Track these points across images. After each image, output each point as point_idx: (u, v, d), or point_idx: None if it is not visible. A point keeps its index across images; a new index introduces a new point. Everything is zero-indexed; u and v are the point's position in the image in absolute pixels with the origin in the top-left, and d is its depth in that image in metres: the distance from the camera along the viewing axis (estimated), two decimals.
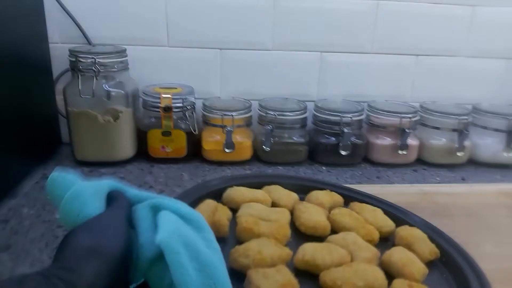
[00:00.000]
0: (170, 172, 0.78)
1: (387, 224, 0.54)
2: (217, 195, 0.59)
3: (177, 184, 0.73)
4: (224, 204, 0.57)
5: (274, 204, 0.59)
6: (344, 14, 0.87)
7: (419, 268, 0.46)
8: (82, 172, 0.72)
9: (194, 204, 0.53)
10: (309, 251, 0.45)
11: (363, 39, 0.90)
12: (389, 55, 0.91)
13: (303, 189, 0.62)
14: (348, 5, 0.87)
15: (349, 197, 0.62)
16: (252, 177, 0.66)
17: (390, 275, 0.45)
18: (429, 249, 0.50)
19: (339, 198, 0.61)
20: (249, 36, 0.87)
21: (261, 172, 0.79)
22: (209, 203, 0.54)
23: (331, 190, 0.62)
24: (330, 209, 0.58)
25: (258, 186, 0.62)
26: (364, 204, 0.58)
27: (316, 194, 0.60)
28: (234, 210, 0.56)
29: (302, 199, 0.60)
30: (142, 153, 0.82)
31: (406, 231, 0.52)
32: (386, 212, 0.57)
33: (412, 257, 0.47)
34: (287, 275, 0.42)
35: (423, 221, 0.56)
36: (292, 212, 0.56)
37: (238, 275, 0.44)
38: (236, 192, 0.58)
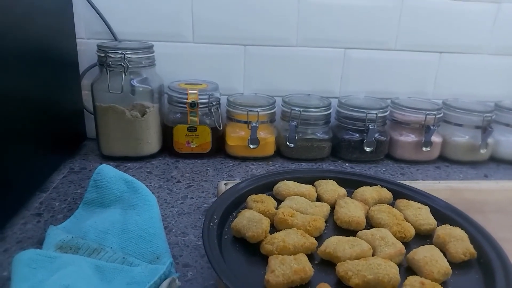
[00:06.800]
0: (196, 167, 0.78)
1: (428, 222, 0.54)
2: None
3: (203, 179, 0.73)
4: (274, 195, 0.60)
5: (319, 198, 0.61)
6: (368, 10, 0.87)
7: (440, 267, 0.44)
8: None
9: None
10: (332, 243, 0.47)
11: (387, 36, 0.90)
12: (413, 52, 0.91)
13: (353, 184, 0.63)
14: (372, 2, 0.87)
15: (400, 194, 0.61)
16: (305, 171, 0.70)
17: (415, 273, 0.45)
18: (464, 249, 0.48)
19: (387, 194, 0.61)
20: (273, 32, 0.87)
21: (312, 167, 0.81)
22: (257, 196, 0.57)
23: (382, 186, 0.62)
24: (374, 205, 0.58)
25: (311, 180, 0.64)
26: (411, 202, 0.58)
27: (362, 190, 0.60)
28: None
29: (350, 193, 0.61)
30: (167, 149, 0.82)
31: (446, 230, 0.51)
32: (434, 210, 0.57)
33: (437, 256, 0.46)
34: (303, 263, 0.44)
35: (471, 221, 0.54)
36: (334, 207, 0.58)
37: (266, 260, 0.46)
38: (283, 186, 0.61)
